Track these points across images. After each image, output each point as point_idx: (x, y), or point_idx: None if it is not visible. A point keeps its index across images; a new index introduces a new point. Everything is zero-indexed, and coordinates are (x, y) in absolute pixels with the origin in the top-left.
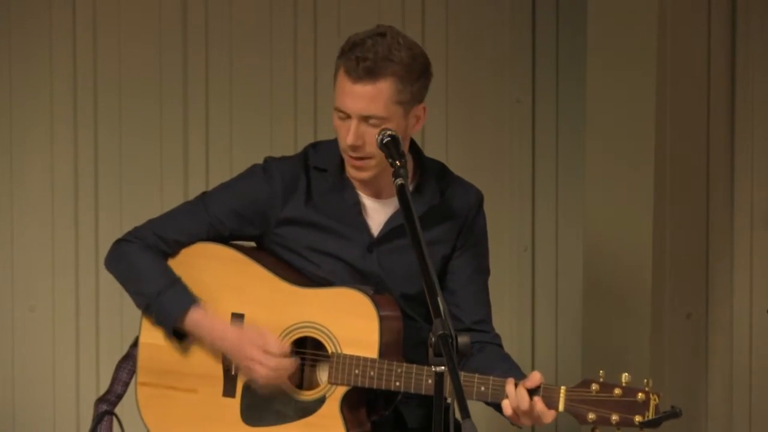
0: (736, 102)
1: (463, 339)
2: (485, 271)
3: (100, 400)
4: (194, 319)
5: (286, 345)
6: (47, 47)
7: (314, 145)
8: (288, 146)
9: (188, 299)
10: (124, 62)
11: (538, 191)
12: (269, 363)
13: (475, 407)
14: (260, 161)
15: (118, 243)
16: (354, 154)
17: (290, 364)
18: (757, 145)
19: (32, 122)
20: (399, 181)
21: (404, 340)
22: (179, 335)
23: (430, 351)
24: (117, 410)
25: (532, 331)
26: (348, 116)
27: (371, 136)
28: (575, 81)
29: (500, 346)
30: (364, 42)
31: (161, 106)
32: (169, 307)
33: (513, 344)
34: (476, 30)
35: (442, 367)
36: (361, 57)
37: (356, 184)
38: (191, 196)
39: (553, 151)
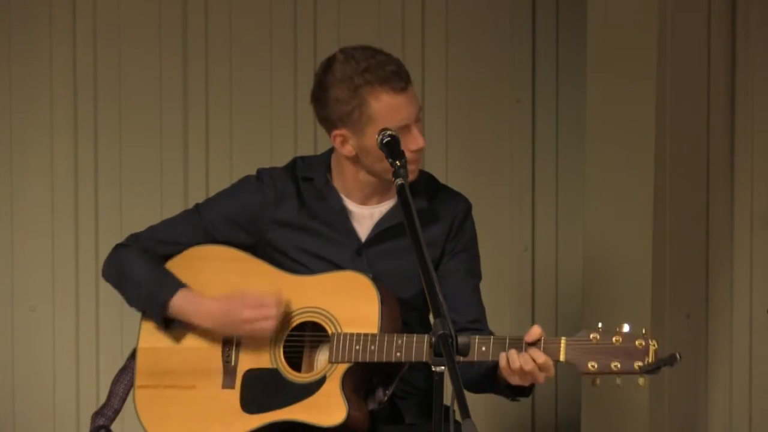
0: (736, 102)
1: (463, 339)
2: (476, 275)
3: (98, 414)
4: (179, 302)
5: (274, 294)
6: (47, 55)
7: (302, 158)
8: (288, 155)
9: (173, 285)
10: (125, 70)
11: (538, 191)
12: (270, 313)
13: (475, 407)
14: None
15: (115, 248)
16: (419, 155)
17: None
18: (757, 145)
19: (32, 124)
20: (399, 181)
21: None
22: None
23: (430, 351)
24: (115, 426)
25: None
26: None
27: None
28: (575, 81)
29: None
30: (373, 58)
31: (161, 113)
32: (156, 293)
33: None
34: (476, 30)
35: (442, 367)
36: (393, 69)
37: (343, 191)
38: (191, 203)
39: (553, 151)
